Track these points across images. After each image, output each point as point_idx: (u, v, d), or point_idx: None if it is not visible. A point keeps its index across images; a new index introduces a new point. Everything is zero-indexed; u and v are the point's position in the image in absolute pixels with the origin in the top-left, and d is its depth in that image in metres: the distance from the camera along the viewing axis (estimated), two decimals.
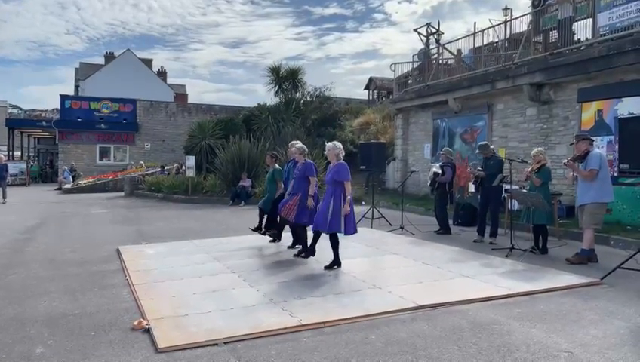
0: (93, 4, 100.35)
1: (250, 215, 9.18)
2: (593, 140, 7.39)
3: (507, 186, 8.84)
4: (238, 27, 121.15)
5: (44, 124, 34.25)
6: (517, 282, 5.79)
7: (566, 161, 7.14)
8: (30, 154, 39.71)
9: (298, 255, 7.35)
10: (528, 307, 4.91)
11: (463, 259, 7.22)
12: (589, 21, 11.29)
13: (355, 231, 6.64)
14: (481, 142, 9.53)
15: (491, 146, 9.35)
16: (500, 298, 5.19)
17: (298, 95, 25.06)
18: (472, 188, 9.89)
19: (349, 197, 6.40)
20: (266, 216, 8.75)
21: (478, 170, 9.01)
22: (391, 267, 6.90)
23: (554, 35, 12.42)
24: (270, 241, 8.58)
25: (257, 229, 8.80)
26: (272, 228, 8.54)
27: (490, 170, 8.71)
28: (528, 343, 3.95)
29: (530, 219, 7.66)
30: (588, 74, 10.66)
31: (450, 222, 10.32)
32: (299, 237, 7.67)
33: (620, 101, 10.00)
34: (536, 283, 5.73)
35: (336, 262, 6.54)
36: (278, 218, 8.08)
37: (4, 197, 16.96)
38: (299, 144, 7.70)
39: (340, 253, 6.64)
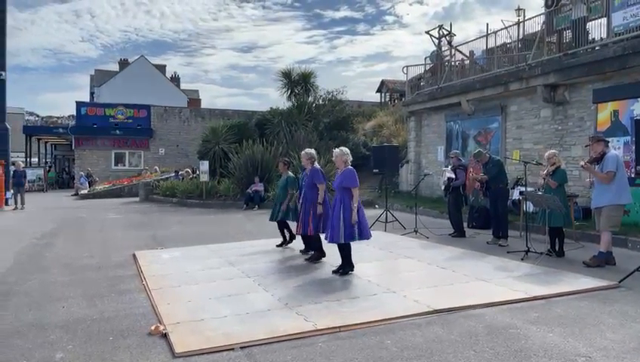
0: (106, 12, 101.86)
1: (264, 219, 9.21)
2: (609, 141, 7.31)
3: (522, 188, 8.81)
4: (249, 32, 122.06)
5: (60, 130, 34.75)
6: (533, 285, 5.74)
7: (583, 163, 7.06)
8: (47, 160, 40.29)
9: (311, 260, 7.36)
10: (545, 311, 4.86)
11: (477, 263, 7.17)
12: (604, 20, 11.16)
13: (370, 236, 6.58)
14: (474, 152, 9.83)
15: (484, 151, 9.51)
16: (516, 302, 5.15)
17: (310, 99, 25.08)
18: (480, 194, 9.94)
19: (355, 205, 6.27)
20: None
21: (481, 175, 9.05)
22: (405, 271, 6.88)
23: (568, 35, 12.30)
24: (277, 246, 8.63)
25: (289, 241, 8.70)
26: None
27: (492, 173, 8.83)
28: (546, 348, 3.92)
29: (546, 221, 7.58)
30: (603, 74, 10.54)
31: (465, 224, 10.26)
32: (310, 243, 7.69)
33: (637, 101, 9.87)
34: (553, 287, 5.68)
35: (349, 267, 6.50)
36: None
37: (22, 203, 17.23)
38: (307, 150, 7.59)
39: (354, 256, 6.61)
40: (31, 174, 27.24)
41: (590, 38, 11.56)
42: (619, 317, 4.68)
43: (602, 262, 6.80)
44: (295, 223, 7.95)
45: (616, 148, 9.65)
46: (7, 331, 4.50)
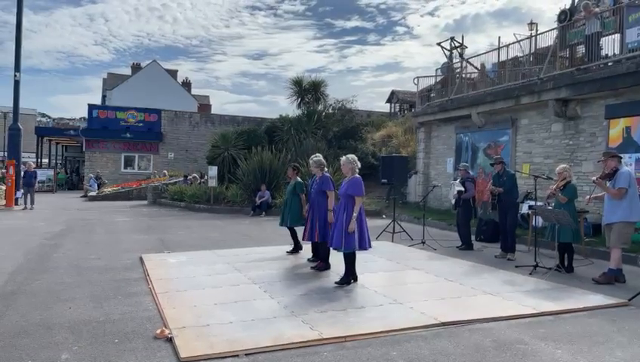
0: (120, 16, 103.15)
1: (271, 226, 9.21)
2: (622, 158, 7.25)
3: (532, 203, 8.75)
4: (260, 39, 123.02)
5: (71, 132, 35.15)
6: (541, 301, 5.68)
7: (595, 178, 7.01)
8: (57, 161, 40.62)
9: (316, 268, 7.33)
10: (554, 327, 4.81)
11: (485, 276, 7.12)
12: (617, 37, 11.13)
13: (369, 246, 6.49)
14: (495, 156, 10.03)
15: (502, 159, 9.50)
16: (524, 317, 5.10)
17: (320, 107, 25.16)
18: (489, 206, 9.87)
19: (355, 214, 6.23)
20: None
21: (494, 185, 8.99)
22: (412, 282, 6.85)
23: (580, 50, 12.26)
24: (288, 253, 8.63)
25: (296, 250, 8.75)
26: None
27: (506, 186, 8.78)
28: None
29: (555, 236, 7.52)
30: (615, 90, 10.49)
31: (473, 237, 10.20)
32: (319, 251, 7.67)
33: None
34: (562, 303, 5.62)
35: (351, 277, 6.43)
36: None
37: (32, 203, 17.37)
38: (316, 158, 7.60)
39: (361, 267, 6.58)
40: (41, 175, 27.43)
41: (603, 53, 11.52)
42: (628, 335, 4.61)
43: (612, 279, 6.72)
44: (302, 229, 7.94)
45: (628, 165, 9.57)
46: (13, 330, 4.52)
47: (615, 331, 4.73)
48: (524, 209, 10.87)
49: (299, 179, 8.72)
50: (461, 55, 17.61)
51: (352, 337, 4.38)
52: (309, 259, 7.98)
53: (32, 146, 37.70)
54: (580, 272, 7.44)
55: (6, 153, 21.46)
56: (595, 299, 5.87)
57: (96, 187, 26.33)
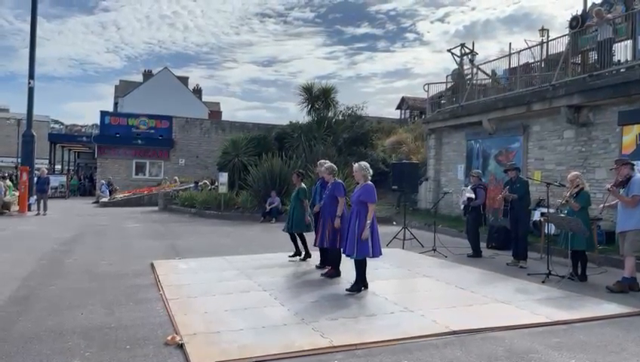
0: (132, 24, 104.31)
1: (281, 232, 9.20)
2: (634, 165, 7.18)
3: (544, 210, 8.67)
4: (270, 46, 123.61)
5: (84, 139, 35.44)
6: (555, 309, 5.62)
7: (608, 186, 6.94)
8: (70, 167, 41.02)
9: (326, 275, 7.31)
10: (567, 336, 4.75)
11: (497, 284, 7.06)
12: (629, 43, 11.04)
13: (380, 254, 6.48)
14: (510, 162, 10.11)
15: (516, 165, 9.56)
16: (537, 326, 5.04)
17: (330, 114, 25.12)
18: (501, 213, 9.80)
19: (368, 221, 6.24)
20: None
21: (508, 193, 8.92)
22: (423, 290, 6.81)
23: (593, 56, 12.17)
24: (301, 260, 8.62)
25: (298, 255, 8.81)
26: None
27: (520, 192, 8.72)
28: None
29: (568, 244, 7.44)
30: (629, 96, 10.38)
31: (484, 244, 10.11)
32: (328, 258, 7.66)
33: None
34: (575, 312, 5.56)
35: (362, 284, 6.42)
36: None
37: (44, 209, 17.52)
38: (328, 163, 7.70)
39: (371, 274, 6.56)
40: (54, 181, 27.69)
41: (616, 59, 11.42)
42: None
43: (626, 287, 6.64)
44: (314, 234, 7.94)
45: None
46: (26, 336, 4.56)
47: (630, 341, 4.66)
48: (536, 216, 10.77)
49: (303, 185, 8.78)
50: (471, 61, 17.52)
51: (363, 345, 4.36)
52: (317, 266, 7.97)
53: (45, 153, 38.05)
54: (594, 280, 7.35)
55: (20, 159, 21.72)
56: (609, 307, 5.79)
57: (107, 193, 26.53)
